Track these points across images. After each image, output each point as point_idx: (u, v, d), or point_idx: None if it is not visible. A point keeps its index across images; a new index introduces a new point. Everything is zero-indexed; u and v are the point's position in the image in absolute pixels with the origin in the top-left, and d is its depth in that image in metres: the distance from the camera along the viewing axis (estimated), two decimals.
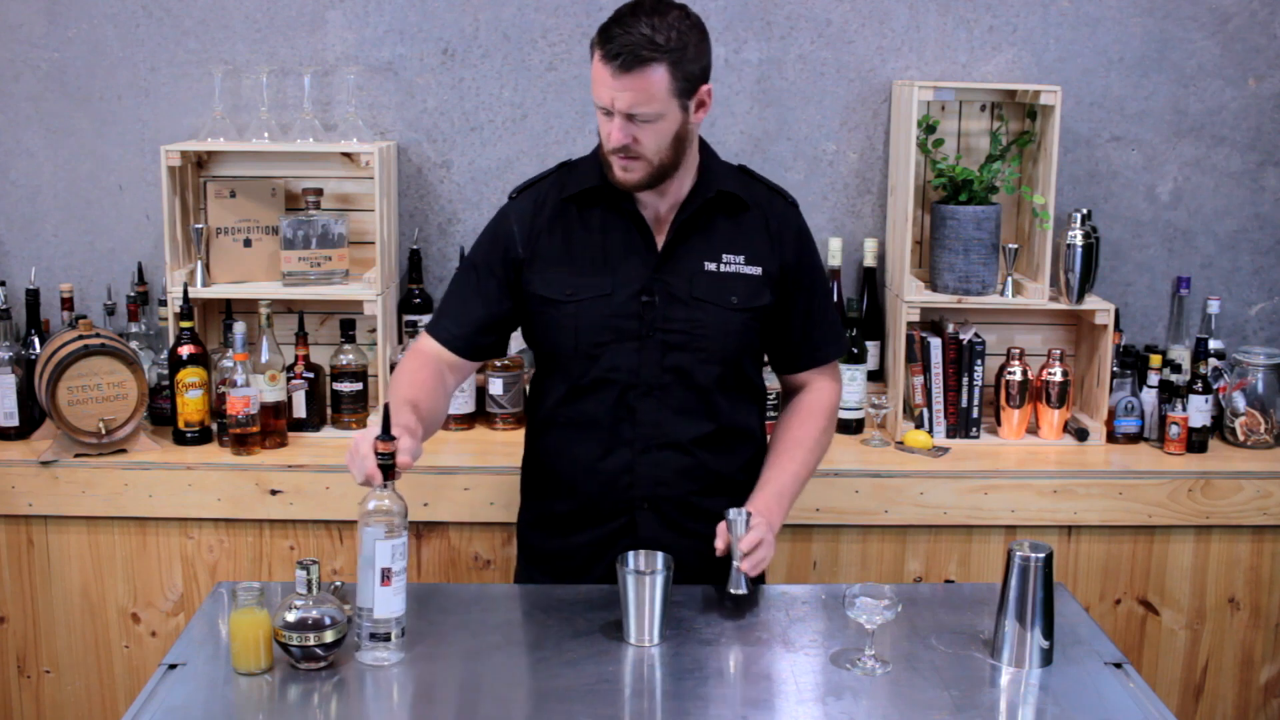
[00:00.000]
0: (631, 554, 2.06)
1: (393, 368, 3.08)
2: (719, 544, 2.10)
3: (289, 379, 3.02)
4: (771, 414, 2.82)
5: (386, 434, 1.92)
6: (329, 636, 1.91)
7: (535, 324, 2.27)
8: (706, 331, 2.21)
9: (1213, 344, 3.14)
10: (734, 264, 2.23)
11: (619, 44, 2.02)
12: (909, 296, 3.06)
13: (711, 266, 2.22)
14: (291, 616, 1.91)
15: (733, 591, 2.09)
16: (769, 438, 2.36)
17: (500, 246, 2.27)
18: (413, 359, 2.27)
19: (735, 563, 2.09)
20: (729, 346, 2.23)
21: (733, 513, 2.09)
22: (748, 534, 2.09)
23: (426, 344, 2.30)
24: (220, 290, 3.08)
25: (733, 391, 2.28)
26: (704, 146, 2.26)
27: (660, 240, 2.22)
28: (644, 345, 2.20)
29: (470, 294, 2.29)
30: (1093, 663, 2.01)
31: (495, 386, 3.14)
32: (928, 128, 3.13)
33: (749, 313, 2.24)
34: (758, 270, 2.24)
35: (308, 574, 1.92)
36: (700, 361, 2.22)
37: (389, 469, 1.92)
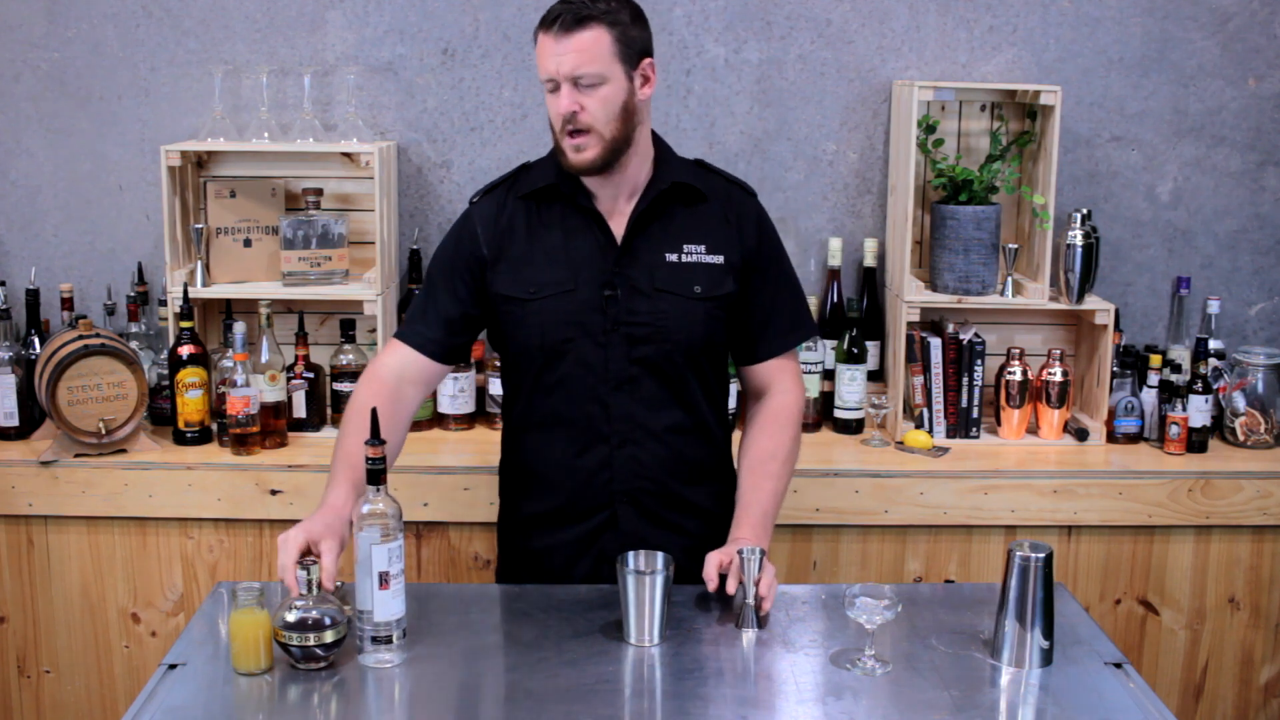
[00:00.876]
0: (631, 554, 2.06)
1: None
2: (731, 583, 2.07)
3: (289, 379, 3.02)
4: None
5: (376, 439, 1.92)
6: (329, 637, 1.91)
7: (501, 324, 2.28)
8: (670, 322, 2.21)
9: (1213, 344, 3.14)
10: (695, 254, 2.24)
11: (558, 11, 2.10)
12: (909, 296, 3.06)
13: (673, 257, 2.23)
14: (291, 617, 1.91)
15: (745, 630, 2.08)
16: (737, 448, 2.34)
17: (465, 249, 2.28)
18: (366, 388, 2.24)
19: (748, 601, 2.08)
20: (694, 336, 2.23)
21: (746, 551, 2.07)
22: (763, 575, 2.07)
23: (386, 361, 2.28)
24: (220, 290, 3.08)
25: (705, 380, 2.28)
26: (659, 141, 2.28)
27: (619, 234, 2.23)
28: (609, 339, 2.20)
29: (439, 297, 2.30)
30: (1093, 663, 2.01)
31: (495, 386, 3.14)
32: (928, 128, 3.13)
33: (712, 301, 2.24)
34: (719, 259, 2.25)
35: (308, 574, 1.92)
36: (666, 353, 2.22)
37: (378, 474, 1.91)
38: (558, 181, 2.23)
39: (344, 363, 3.08)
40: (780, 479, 2.28)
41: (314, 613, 1.91)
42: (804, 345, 3.02)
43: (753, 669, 1.98)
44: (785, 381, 2.35)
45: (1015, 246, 3.11)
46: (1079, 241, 3.06)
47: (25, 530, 2.89)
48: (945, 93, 3.17)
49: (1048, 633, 1.98)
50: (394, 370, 2.27)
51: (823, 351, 3.16)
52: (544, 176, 2.25)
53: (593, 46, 2.09)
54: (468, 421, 3.15)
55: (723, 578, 2.09)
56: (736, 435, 2.38)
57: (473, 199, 2.32)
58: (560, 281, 2.21)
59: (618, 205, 2.23)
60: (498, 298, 2.25)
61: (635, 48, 2.14)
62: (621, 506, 2.26)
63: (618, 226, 2.23)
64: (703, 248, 2.24)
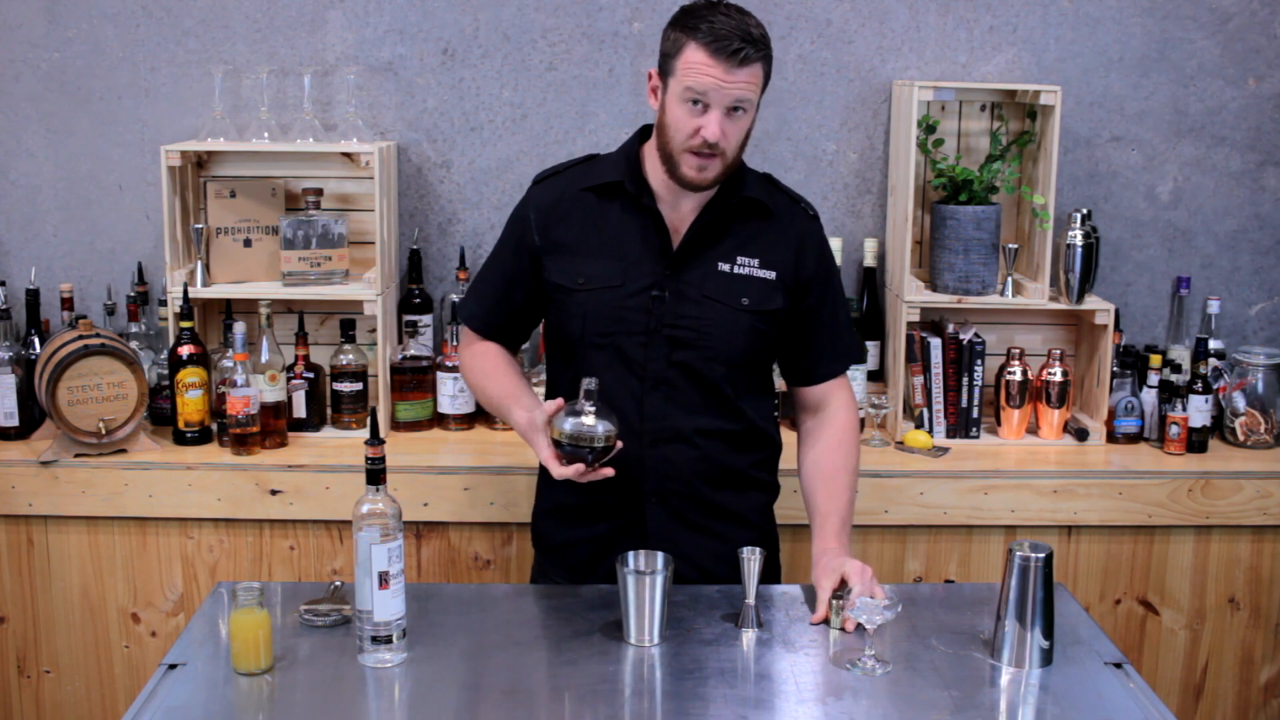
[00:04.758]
0: (631, 554, 2.06)
1: (393, 369, 3.09)
2: (820, 612, 2.12)
3: (289, 379, 3.02)
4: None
5: (375, 438, 1.92)
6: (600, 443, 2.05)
7: (551, 311, 2.32)
8: (714, 330, 2.22)
9: (1213, 344, 3.14)
10: (748, 266, 2.25)
11: (733, 39, 2.05)
12: (909, 296, 3.06)
13: (725, 267, 2.24)
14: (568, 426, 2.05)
15: (745, 630, 2.08)
16: (802, 463, 2.36)
17: (518, 234, 2.32)
18: (471, 355, 2.38)
19: (748, 601, 2.09)
20: (736, 347, 2.24)
21: (745, 551, 2.08)
22: (859, 588, 2.08)
23: (471, 335, 2.41)
24: (220, 290, 3.08)
25: (743, 390, 2.29)
26: None
27: (677, 239, 2.23)
28: (651, 340, 2.21)
29: (494, 278, 2.36)
30: (1093, 663, 2.01)
31: None
32: (928, 128, 3.13)
33: (759, 315, 2.25)
34: (772, 274, 2.25)
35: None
36: (707, 359, 2.23)
37: (377, 474, 1.92)
38: (624, 179, 2.24)
39: (344, 363, 3.08)
40: (853, 489, 2.31)
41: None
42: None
43: (753, 669, 1.98)
44: (841, 397, 2.37)
45: (1015, 246, 3.11)
46: (1079, 241, 3.07)
47: (25, 530, 2.89)
48: (945, 93, 3.17)
49: (1048, 633, 1.98)
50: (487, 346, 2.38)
51: None
52: (611, 172, 2.26)
53: (756, 81, 2.10)
54: (467, 422, 3.15)
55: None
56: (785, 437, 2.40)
57: (535, 179, 2.35)
58: (609, 276, 2.23)
59: (680, 210, 2.24)
60: (549, 285, 2.28)
61: (769, 79, 2.16)
62: (650, 506, 2.27)
63: (677, 230, 2.24)
64: (756, 262, 2.25)
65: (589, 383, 2.05)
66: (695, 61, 2.07)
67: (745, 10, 2.12)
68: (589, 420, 2.04)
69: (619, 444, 2.09)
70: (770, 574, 2.42)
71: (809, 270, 2.29)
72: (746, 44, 2.05)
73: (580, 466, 2.07)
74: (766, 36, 2.11)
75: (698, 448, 2.26)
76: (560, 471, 2.08)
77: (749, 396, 2.30)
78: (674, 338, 2.21)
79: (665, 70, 2.14)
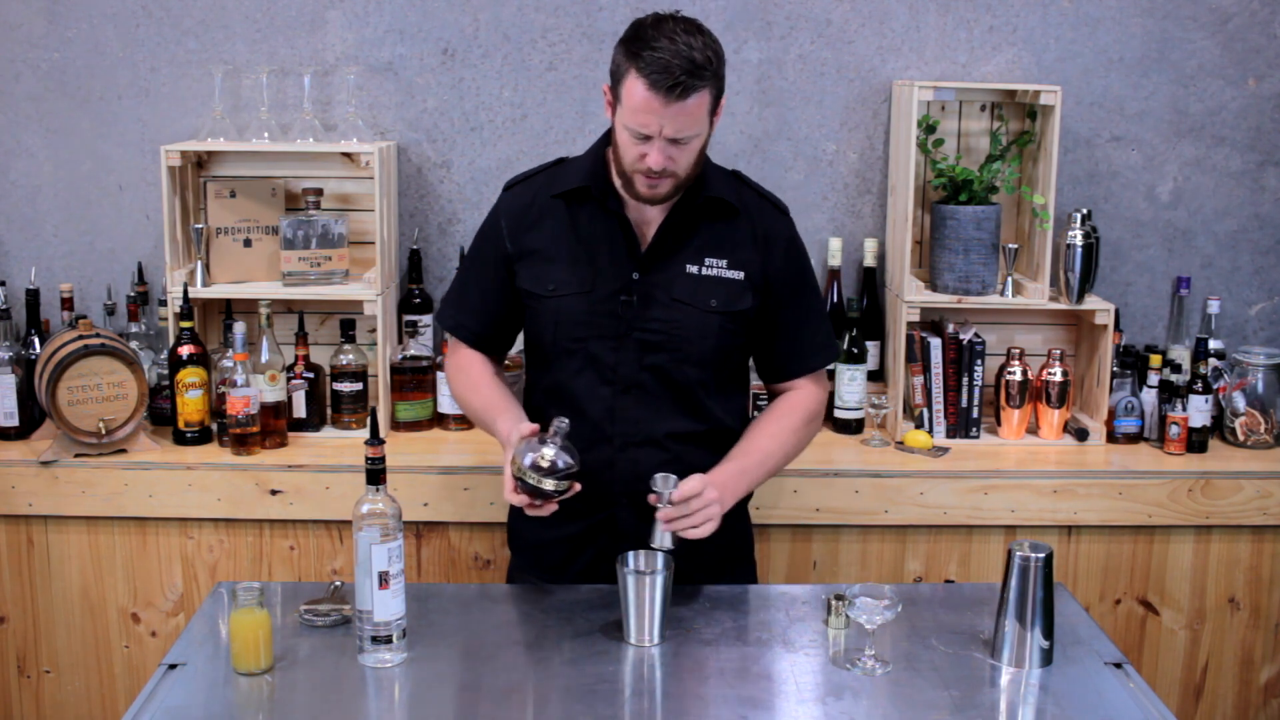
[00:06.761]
0: (631, 554, 2.06)
1: (393, 369, 3.09)
2: (652, 498, 2.10)
3: (289, 379, 3.02)
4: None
5: (375, 438, 1.92)
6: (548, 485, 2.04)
7: (525, 317, 2.32)
8: (684, 333, 2.22)
9: (1213, 344, 3.14)
10: (716, 268, 2.25)
11: (670, 73, 2.02)
12: (909, 296, 3.06)
13: (693, 269, 2.24)
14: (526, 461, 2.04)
15: (654, 546, 2.08)
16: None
17: (491, 241, 2.33)
18: (456, 367, 2.39)
19: (658, 519, 2.08)
20: (706, 349, 2.24)
21: (659, 477, 2.07)
22: (679, 489, 2.07)
23: (456, 344, 2.40)
24: (220, 290, 3.08)
25: (715, 392, 2.29)
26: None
27: (645, 243, 2.24)
28: (622, 344, 2.22)
29: (474, 286, 2.36)
30: (1093, 663, 2.01)
31: None
32: (928, 128, 3.13)
33: (727, 316, 2.25)
34: (739, 275, 2.25)
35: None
36: (678, 362, 2.23)
37: (378, 474, 1.92)
38: (590, 184, 2.24)
39: (344, 363, 3.08)
40: (769, 453, 2.27)
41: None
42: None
43: (753, 669, 1.98)
44: (805, 384, 2.37)
45: (1015, 246, 3.11)
46: (1079, 241, 3.07)
47: (25, 530, 2.89)
48: (945, 93, 3.17)
49: (1048, 633, 1.98)
50: (468, 351, 2.38)
51: None
52: (578, 177, 2.26)
53: (697, 110, 2.07)
54: (468, 422, 3.15)
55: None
56: None
57: (506, 185, 2.36)
58: (578, 282, 2.23)
59: (646, 214, 2.24)
60: (521, 291, 2.29)
61: (721, 95, 2.13)
62: (621, 508, 2.27)
63: (645, 234, 2.24)
64: (724, 262, 2.25)
65: (560, 423, 2.05)
66: (635, 94, 2.05)
67: (695, 28, 2.08)
68: (545, 463, 2.04)
69: (576, 486, 2.08)
70: (745, 574, 2.42)
71: (777, 266, 2.28)
72: (687, 75, 2.02)
73: (526, 499, 2.07)
74: (714, 58, 2.07)
75: (668, 450, 2.25)
76: (509, 497, 2.09)
77: (721, 397, 2.31)
78: (644, 341, 2.22)
79: (614, 92, 2.13)
